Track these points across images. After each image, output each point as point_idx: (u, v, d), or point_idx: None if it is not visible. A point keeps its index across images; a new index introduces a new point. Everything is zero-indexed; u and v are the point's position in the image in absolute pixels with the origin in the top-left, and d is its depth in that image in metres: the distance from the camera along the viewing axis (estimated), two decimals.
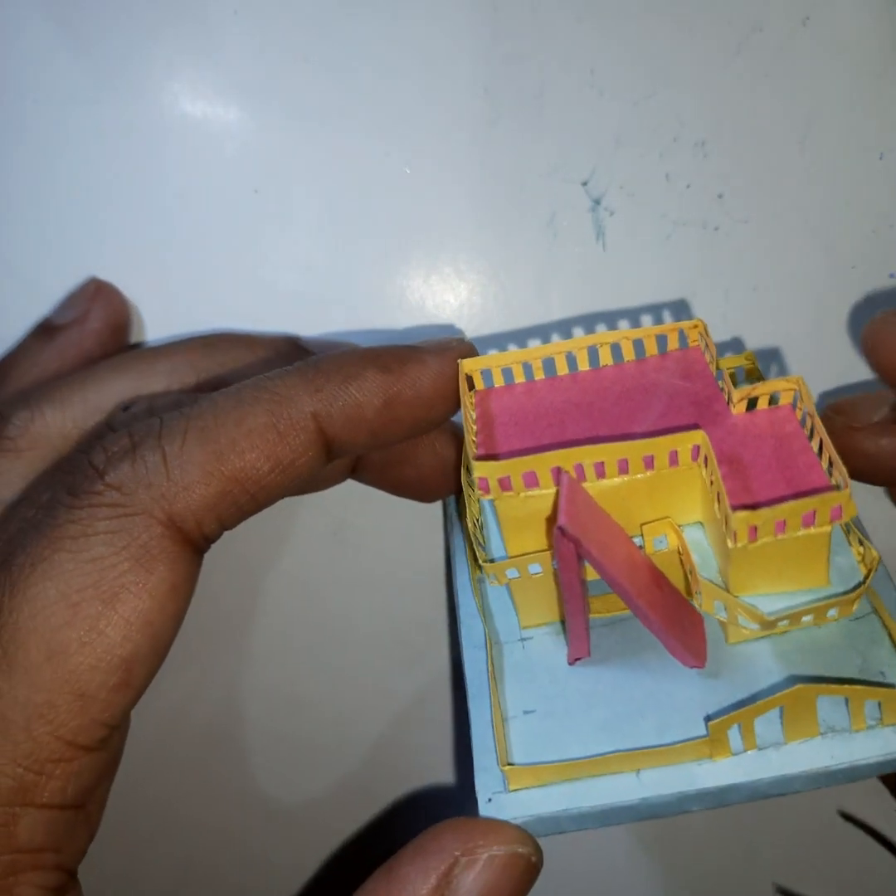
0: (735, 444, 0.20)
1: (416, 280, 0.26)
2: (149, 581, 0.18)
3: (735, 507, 0.18)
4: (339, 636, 0.28)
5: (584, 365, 0.22)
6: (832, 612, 0.19)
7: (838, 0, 0.25)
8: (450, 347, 0.21)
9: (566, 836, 0.19)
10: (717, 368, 0.21)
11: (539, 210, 0.25)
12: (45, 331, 0.24)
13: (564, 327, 0.26)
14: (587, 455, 0.19)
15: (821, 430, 0.19)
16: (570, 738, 0.19)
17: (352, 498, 0.26)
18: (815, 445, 0.19)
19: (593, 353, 0.22)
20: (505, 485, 0.19)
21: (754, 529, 0.18)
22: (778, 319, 0.26)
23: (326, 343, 0.25)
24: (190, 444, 0.19)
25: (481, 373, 0.22)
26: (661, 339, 0.22)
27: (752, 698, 0.19)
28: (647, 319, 0.26)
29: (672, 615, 0.19)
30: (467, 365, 0.21)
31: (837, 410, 0.22)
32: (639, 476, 0.19)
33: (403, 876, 0.17)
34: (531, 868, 0.18)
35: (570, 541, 0.17)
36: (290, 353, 0.23)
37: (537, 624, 0.21)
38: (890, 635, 0.19)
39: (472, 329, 0.26)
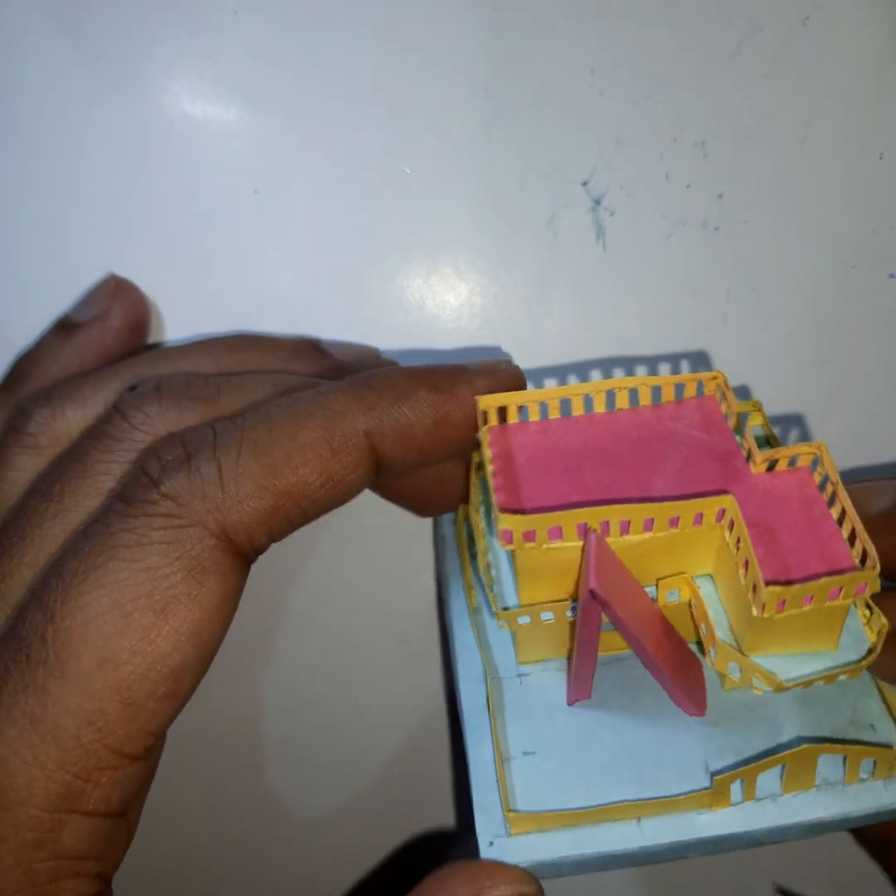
0: (757, 507, 0.20)
1: (416, 280, 0.26)
2: (200, 592, 0.18)
3: (767, 582, 0.18)
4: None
5: (600, 408, 0.22)
6: (841, 678, 0.19)
7: (838, 0, 0.25)
8: (498, 369, 0.22)
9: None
10: (738, 424, 0.21)
11: (539, 210, 0.25)
12: (64, 328, 0.24)
13: (565, 327, 0.26)
14: (616, 513, 0.18)
15: (845, 500, 0.19)
16: (571, 783, 0.19)
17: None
18: (834, 512, 0.19)
19: (611, 396, 0.21)
20: (528, 537, 0.19)
21: (783, 602, 0.18)
22: (778, 319, 0.26)
23: (345, 346, 0.25)
24: (245, 457, 0.19)
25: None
26: (679, 386, 0.22)
27: (747, 746, 0.19)
28: (646, 320, 0.26)
29: (678, 666, 0.19)
30: (483, 401, 0.21)
31: None
32: (662, 534, 0.19)
33: None
34: None
35: (600, 603, 0.17)
36: (310, 355, 0.24)
37: (535, 660, 0.21)
38: (879, 689, 0.20)
39: (472, 329, 0.26)
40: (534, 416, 0.21)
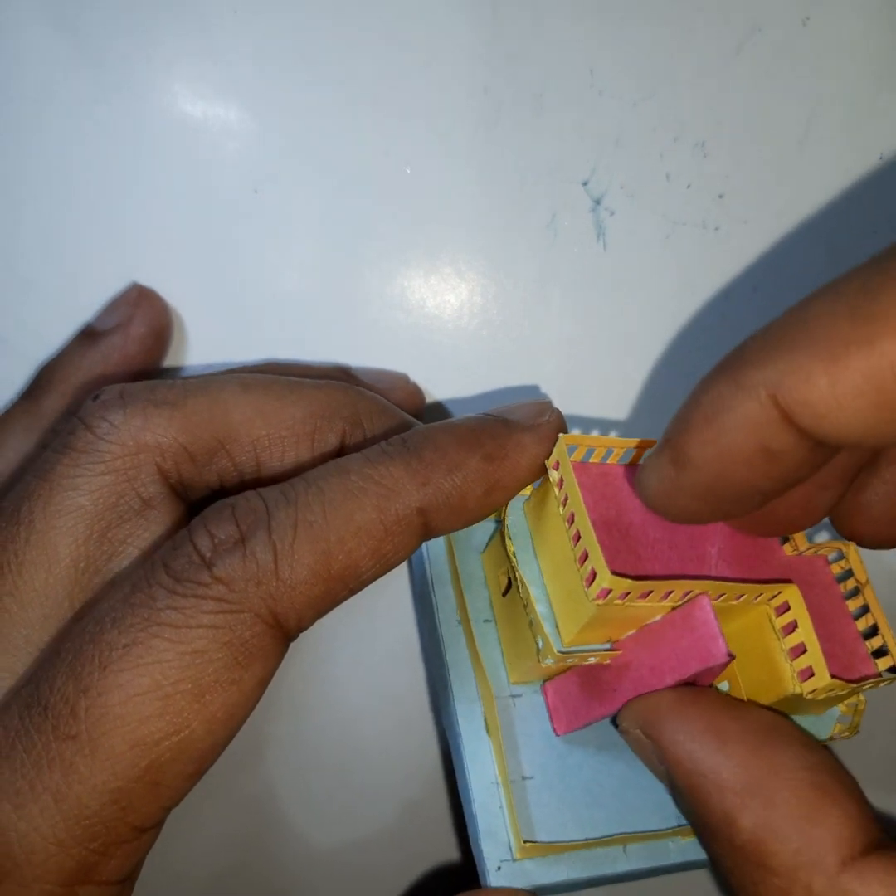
0: (805, 592, 0.20)
1: (416, 280, 0.26)
2: (243, 677, 0.18)
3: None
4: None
5: None
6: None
7: (838, 0, 0.25)
8: (542, 421, 0.21)
9: None
10: None
11: (539, 210, 0.25)
12: (87, 336, 0.24)
13: (565, 327, 0.26)
14: (704, 587, 0.19)
15: (874, 603, 0.21)
16: (568, 811, 0.20)
17: None
18: (852, 606, 0.21)
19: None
20: (623, 595, 0.19)
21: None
22: None
23: (375, 372, 0.25)
24: (301, 542, 0.18)
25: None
26: None
27: None
28: (646, 320, 0.26)
29: None
30: (566, 440, 0.20)
31: None
32: (721, 604, 0.20)
33: None
34: None
35: (728, 662, 0.19)
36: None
37: (526, 681, 0.22)
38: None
39: (472, 329, 0.26)
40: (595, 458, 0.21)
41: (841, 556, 0.22)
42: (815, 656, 0.19)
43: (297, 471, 0.20)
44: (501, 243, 0.26)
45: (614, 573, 0.19)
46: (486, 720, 0.21)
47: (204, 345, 0.25)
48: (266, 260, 0.25)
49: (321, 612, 0.19)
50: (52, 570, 0.19)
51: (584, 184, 0.25)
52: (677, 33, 0.25)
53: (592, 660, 0.20)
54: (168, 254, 0.25)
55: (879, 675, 0.20)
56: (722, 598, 0.19)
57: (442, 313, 0.26)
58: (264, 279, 0.25)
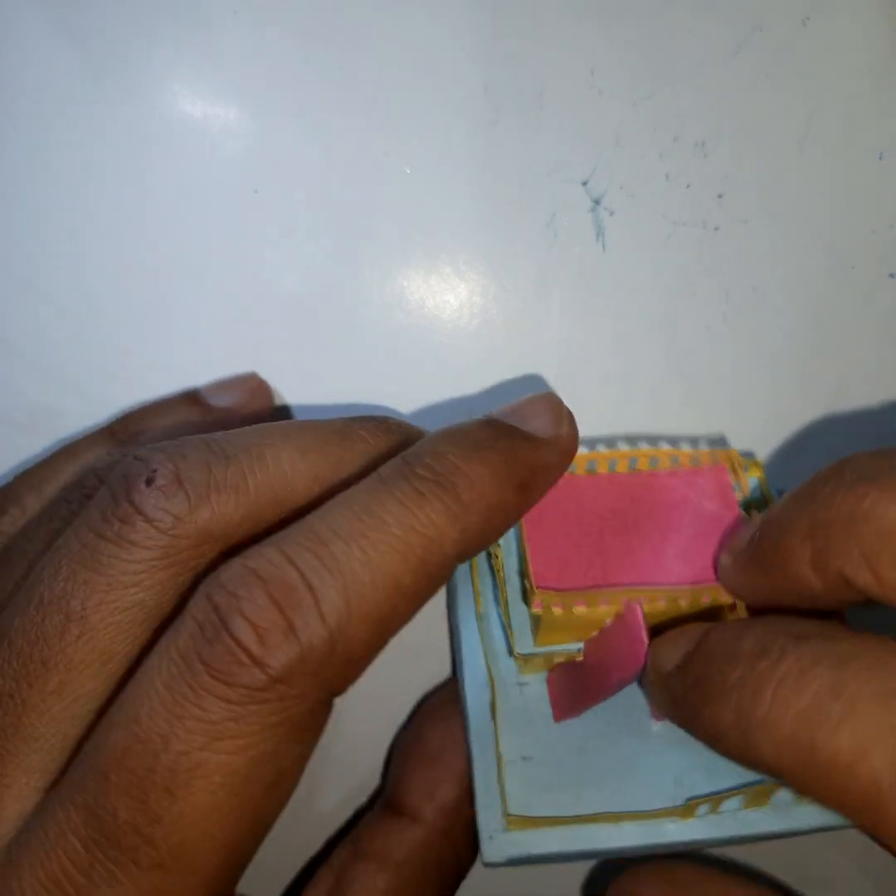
0: None
1: (416, 280, 0.26)
2: (304, 753, 0.17)
3: None
4: None
5: (622, 469, 0.23)
6: None
7: (838, 0, 0.25)
8: (563, 434, 0.20)
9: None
10: (746, 498, 0.23)
11: (539, 210, 0.25)
12: (194, 402, 0.24)
13: (565, 327, 0.26)
14: (638, 595, 0.20)
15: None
16: (563, 791, 0.21)
17: None
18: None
19: (632, 463, 0.23)
20: (557, 605, 0.20)
21: None
22: (778, 319, 0.26)
23: (222, 384, 0.25)
24: (355, 619, 0.17)
25: None
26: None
27: (713, 763, 0.21)
28: (646, 320, 0.26)
29: None
30: None
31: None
32: (671, 607, 0.21)
33: None
34: None
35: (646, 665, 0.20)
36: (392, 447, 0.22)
37: (535, 672, 0.23)
38: None
39: (472, 329, 0.26)
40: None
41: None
42: None
43: None
44: (501, 243, 0.26)
45: (542, 587, 0.20)
46: (491, 704, 0.22)
47: (204, 345, 0.25)
48: (266, 260, 0.25)
49: (367, 665, 0.18)
50: (103, 668, 0.18)
51: (584, 184, 0.25)
52: (677, 33, 0.25)
53: (559, 659, 0.22)
54: (168, 253, 0.25)
55: None
56: (663, 602, 0.20)
57: (441, 313, 0.26)
58: (264, 279, 0.25)
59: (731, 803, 0.21)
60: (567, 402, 0.22)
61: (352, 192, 0.25)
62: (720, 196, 0.26)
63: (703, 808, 0.21)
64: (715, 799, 0.21)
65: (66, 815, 0.16)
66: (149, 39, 0.24)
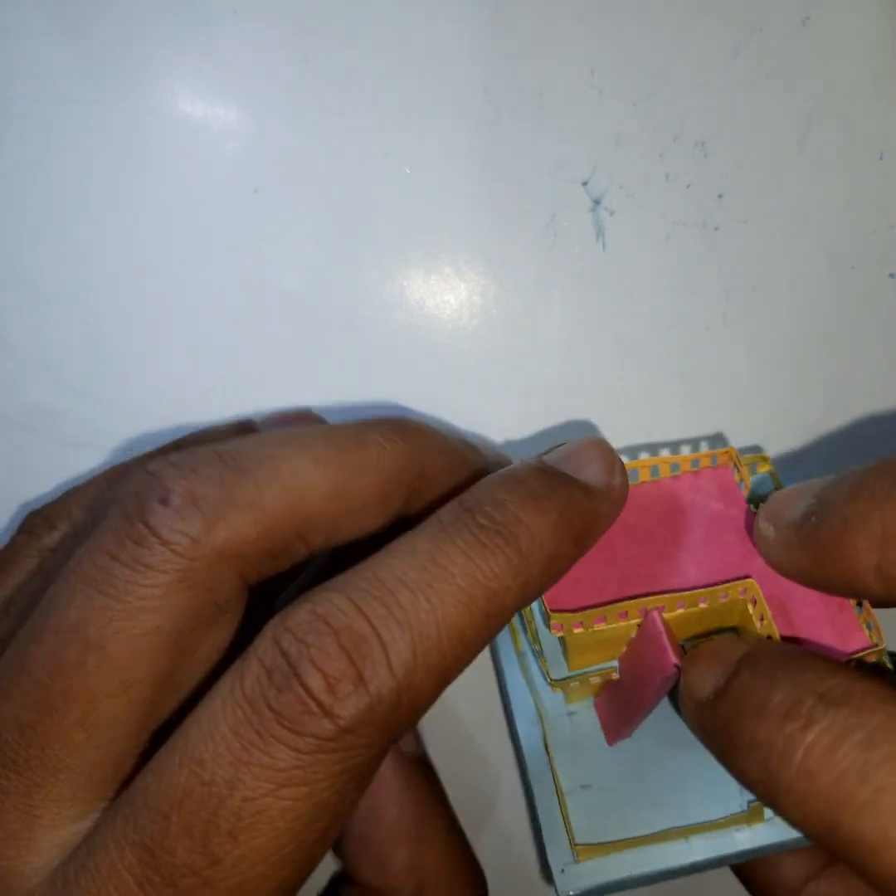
0: (772, 578, 0.21)
1: (416, 280, 0.26)
2: (358, 800, 0.17)
3: None
4: None
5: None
6: None
7: (838, 0, 0.25)
8: (616, 485, 0.20)
9: None
10: (751, 493, 0.22)
11: (539, 210, 0.25)
12: (249, 431, 0.24)
13: (565, 327, 0.26)
14: (654, 603, 0.20)
15: None
16: (626, 812, 0.21)
17: None
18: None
19: (634, 474, 0.23)
20: (577, 626, 0.20)
21: None
22: (778, 319, 0.26)
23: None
24: (421, 671, 0.17)
25: None
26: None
27: None
28: (646, 320, 0.26)
29: None
30: None
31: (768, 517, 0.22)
32: (693, 609, 0.21)
33: None
34: None
35: (678, 672, 0.20)
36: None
37: (581, 700, 0.23)
38: None
39: (472, 329, 0.26)
40: None
41: None
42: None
43: (364, 535, 0.19)
44: (501, 243, 0.26)
45: (556, 609, 0.20)
46: (543, 738, 0.22)
47: (204, 344, 0.25)
48: (266, 260, 0.25)
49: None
50: (124, 695, 0.17)
51: (584, 184, 0.25)
52: (677, 33, 0.25)
53: (595, 680, 0.22)
54: (168, 253, 0.25)
55: (857, 650, 0.20)
56: (683, 605, 0.20)
57: (441, 313, 0.26)
58: (264, 279, 0.25)
59: None
60: (566, 403, 0.22)
61: (352, 192, 0.25)
62: (720, 196, 0.26)
63: (769, 811, 0.21)
64: None
65: (119, 853, 0.16)
66: (149, 39, 0.24)
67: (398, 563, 0.18)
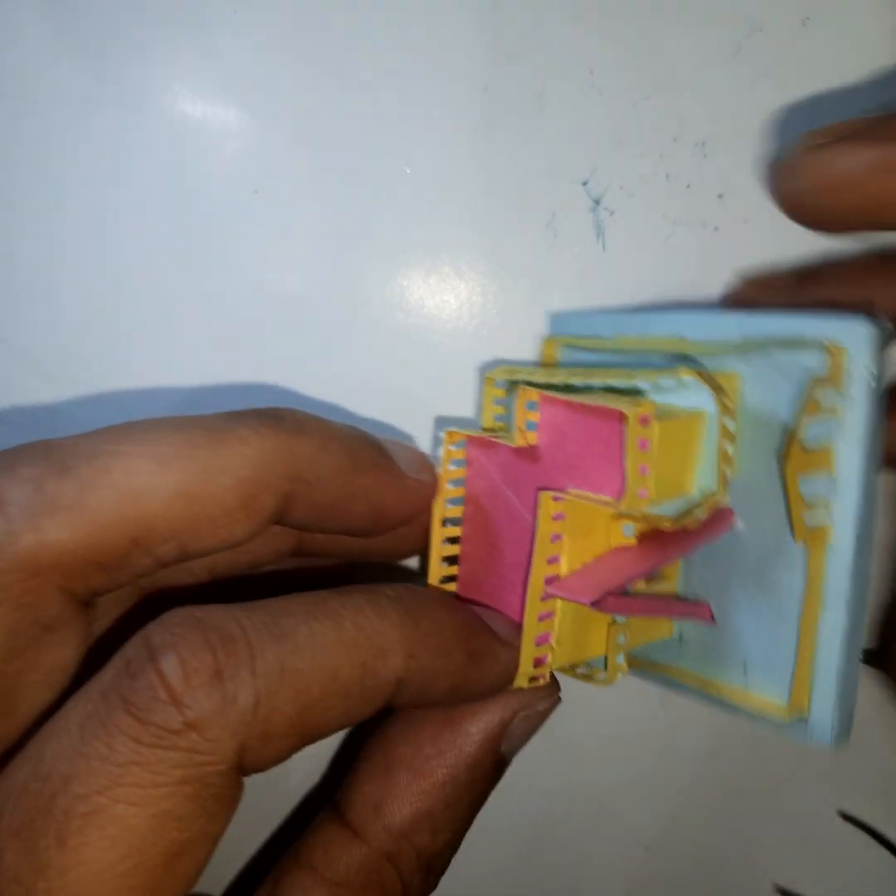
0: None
1: (416, 280, 0.26)
2: (212, 831, 0.16)
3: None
4: None
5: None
6: None
7: (838, 0, 0.25)
8: (515, 645, 0.20)
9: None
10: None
11: (539, 210, 0.25)
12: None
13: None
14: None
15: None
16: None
17: None
18: None
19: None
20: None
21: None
22: None
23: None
24: (285, 690, 0.16)
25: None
26: None
27: None
28: None
29: None
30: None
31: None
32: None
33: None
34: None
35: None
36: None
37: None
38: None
39: (471, 329, 0.26)
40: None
41: None
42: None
43: (231, 547, 0.18)
44: (501, 243, 0.26)
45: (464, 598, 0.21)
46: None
47: (204, 344, 0.25)
48: (266, 260, 0.25)
49: (279, 761, 0.17)
50: None
51: (584, 184, 0.25)
52: (677, 33, 0.25)
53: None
54: (168, 253, 0.25)
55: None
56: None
57: (442, 313, 0.26)
58: (264, 279, 0.25)
59: None
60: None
61: (352, 192, 0.25)
62: (720, 196, 0.26)
63: None
64: None
65: None
66: (149, 39, 0.24)
67: (291, 598, 0.17)
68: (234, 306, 0.25)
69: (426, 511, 0.21)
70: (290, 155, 0.25)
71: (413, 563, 0.27)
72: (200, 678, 0.15)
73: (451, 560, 0.22)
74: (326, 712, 0.16)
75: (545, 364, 0.25)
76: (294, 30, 0.24)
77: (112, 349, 0.25)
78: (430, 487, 0.21)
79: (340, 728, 0.17)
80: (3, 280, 0.25)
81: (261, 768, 0.16)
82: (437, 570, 0.22)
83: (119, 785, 0.15)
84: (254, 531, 0.18)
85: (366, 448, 0.20)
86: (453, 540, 0.22)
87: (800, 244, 0.26)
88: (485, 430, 0.22)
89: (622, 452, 0.19)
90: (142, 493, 0.16)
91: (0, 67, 0.24)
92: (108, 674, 0.16)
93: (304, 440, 0.18)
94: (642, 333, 0.23)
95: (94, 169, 0.24)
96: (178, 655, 0.15)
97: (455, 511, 0.22)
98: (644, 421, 0.19)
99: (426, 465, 0.21)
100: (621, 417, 0.19)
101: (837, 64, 0.25)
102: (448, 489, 0.22)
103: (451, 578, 0.22)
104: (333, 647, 0.16)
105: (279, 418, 0.18)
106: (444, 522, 0.22)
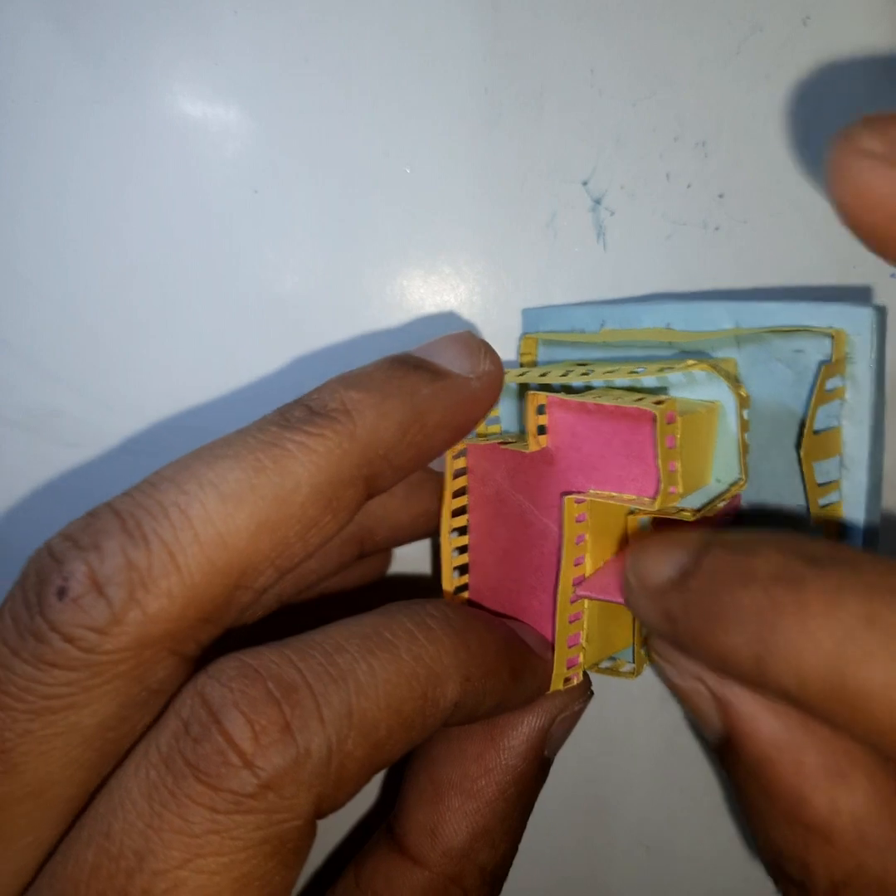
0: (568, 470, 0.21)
1: (416, 280, 0.26)
2: (289, 879, 0.15)
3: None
4: None
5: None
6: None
7: (838, 0, 0.25)
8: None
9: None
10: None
11: (539, 210, 0.25)
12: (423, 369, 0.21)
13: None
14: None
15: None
16: None
17: None
18: None
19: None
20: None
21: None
22: None
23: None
24: (356, 736, 0.15)
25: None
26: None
27: None
28: None
29: None
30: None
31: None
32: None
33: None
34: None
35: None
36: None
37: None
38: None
39: (471, 329, 0.26)
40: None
41: None
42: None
43: (327, 541, 0.17)
44: (501, 243, 0.26)
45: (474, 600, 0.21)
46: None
47: (204, 344, 0.25)
48: (266, 260, 0.25)
49: (350, 800, 0.16)
50: (40, 800, 0.15)
51: (584, 184, 0.25)
52: (677, 33, 0.25)
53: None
54: (168, 254, 0.25)
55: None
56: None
57: (441, 313, 0.26)
58: (264, 279, 0.25)
59: None
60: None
61: (352, 192, 0.25)
62: (720, 196, 0.26)
63: None
64: None
65: None
66: (148, 39, 0.24)
67: (339, 630, 0.17)
68: (234, 306, 0.25)
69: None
70: (289, 155, 0.25)
71: (425, 569, 0.27)
72: (270, 736, 0.15)
73: (462, 570, 0.22)
74: (393, 748, 0.16)
75: (524, 362, 0.25)
76: (294, 30, 0.24)
77: (111, 349, 0.25)
78: (496, 376, 0.19)
79: (402, 754, 0.17)
80: (3, 280, 0.25)
81: (335, 811, 0.16)
82: (450, 581, 0.22)
83: (198, 856, 0.14)
84: (344, 523, 0.17)
85: (419, 385, 0.18)
86: (461, 549, 0.22)
87: (799, 244, 0.26)
88: (479, 435, 0.22)
89: (647, 451, 0.19)
90: (226, 537, 0.15)
91: (0, 67, 0.24)
92: (164, 736, 0.15)
93: (359, 420, 0.17)
94: (628, 325, 0.22)
95: (93, 169, 0.24)
96: (242, 713, 0.15)
97: (460, 521, 0.22)
98: (670, 419, 0.19)
99: (477, 351, 0.19)
100: (643, 416, 0.19)
101: (837, 64, 0.25)
102: (451, 501, 0.22)
103: (462, 588, 0.22)
104: (395, 681, 0.16)
105: (326, 408, 0.17)
106: (451, 532, 0.22)
